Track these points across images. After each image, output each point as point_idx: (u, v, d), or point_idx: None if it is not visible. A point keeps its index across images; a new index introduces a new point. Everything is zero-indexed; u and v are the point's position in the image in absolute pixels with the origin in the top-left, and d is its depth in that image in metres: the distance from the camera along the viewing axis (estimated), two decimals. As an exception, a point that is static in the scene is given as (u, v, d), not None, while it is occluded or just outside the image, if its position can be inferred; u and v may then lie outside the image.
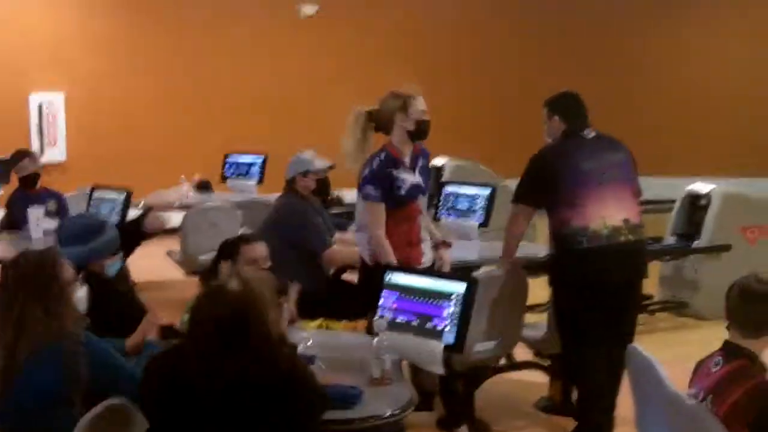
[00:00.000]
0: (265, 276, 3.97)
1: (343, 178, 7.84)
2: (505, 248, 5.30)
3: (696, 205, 8.21)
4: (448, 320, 4.30)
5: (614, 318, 4.95)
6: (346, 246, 6.27)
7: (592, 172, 4.94)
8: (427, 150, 5.41)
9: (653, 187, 7.43)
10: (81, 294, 3.92)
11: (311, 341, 4.13)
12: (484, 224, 7.12)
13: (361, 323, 4.62)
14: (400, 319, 4.38)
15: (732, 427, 3.24)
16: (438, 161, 9.58)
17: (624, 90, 14.62)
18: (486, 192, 7.26)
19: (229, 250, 4.50)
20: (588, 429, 5.07)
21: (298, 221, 6.08)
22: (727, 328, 3.53)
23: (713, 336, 3.63)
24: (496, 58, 14.45)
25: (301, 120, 13.13)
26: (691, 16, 15.01)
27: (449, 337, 4.28)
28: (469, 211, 7.22)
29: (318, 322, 4.69)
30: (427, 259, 5.33)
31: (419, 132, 5.21)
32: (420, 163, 5.29)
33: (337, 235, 6.44)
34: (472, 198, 7.28)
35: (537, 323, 5.82)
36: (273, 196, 7.03)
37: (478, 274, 5.29)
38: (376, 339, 3.88)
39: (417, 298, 4.41)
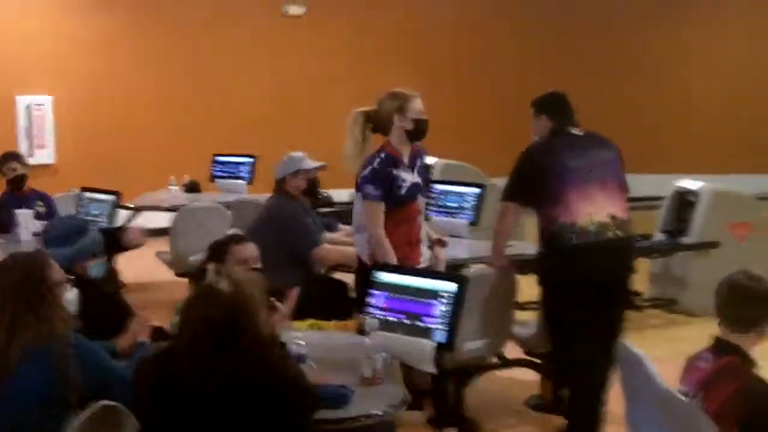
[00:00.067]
0: (255, 276, 3.98)
1: (332, 179, 7.85)
2: (494, 246, 5.32)
3: (685, 202, 8.24)
4: (439, 319, 4.31)
5: (603, 314, 4.96)
6: (336, 246, 6.28)
7: (579, 169, 4.97)
8: (424, 151, 5.42)
9: (642, 184, 7.48)
10: (70, 296, 3.92)
11: (302, 341, 4.13)
12: (474, 223, 7.13)
13: (352, 323, 4.63)
14: (390, 318, 4.39)
15: (721, 424, 3.25)
16: (427, 161, 9.57)
17: (615, 89, 14.65)
18: (475, 191, 7.28)
19: (219, 250, 4.49)
20: (579, 426, 5.08)
21: (288, 221, 6.08)
22: (719, 324, 3.55)
23: (703, 333, 3.64)
24: (493, 58, 14.45)
25: (294, 121, 13.12)
26: (686, 17, 15.03)
27: (440, 336, 4.29)
28: (458, 210, 7.23)
29: (309, 321, 4.69)
30: (425, 259, 5.34)
31: (417, 132, 5.22)
32: (419, 163, 5.31)
33: (326, 235, 6.43)
34: (461, 197, 7.29)
35: (527, 321, 5.83)
36: (263, 197, 7.03)
37: (468, 272, 5.30)
38: (366, 338, 3.88)
39: (407, 297, 4.42)
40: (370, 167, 5.16)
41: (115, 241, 6.28)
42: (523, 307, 6.12)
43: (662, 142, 14.57)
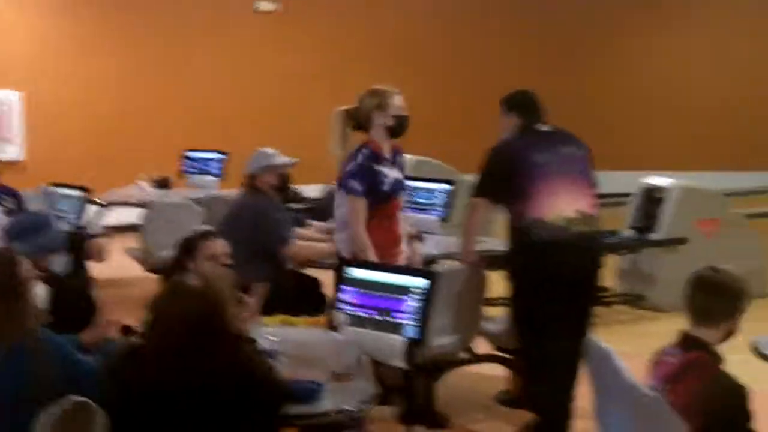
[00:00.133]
0: (225, 272, 3.99)
1: (303, 175, 7.85)
2: (464, 242, 5.35)
3: (653, 198, 8.30)
4: (410, 315, 4.32)
5: (572, 310, 5.00)
6: (307, 242, 6.28)
7: (547, 165, 5.01)
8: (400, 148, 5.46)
9: (611, 180, 7.51)
10: (39, 291, 3.91)
11: (272, 337, 4.13)
12: (444, 219, 7.15)
13: (323, 318, 4.63)
14: (361, 313, 4.40)
15: (688, 418, 3.28)
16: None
17: (585, 87, 14.76)
18: (446, 187, 7.30)
19: (189, 246, 4.49)
20: (548, 421, 5.12)
21: (258, 217, 6.07)
22: (687, 319, 3.59)
23: (671, 328, 3.67)
24: (463, 55, 14.52)
25: (265, 117, 13.10)
26: (652, 16, 15.12)
27: (410, 332, 4.30)
28: (428, 206, 7.24)
29: (279, 317, 4.69)
30: (405, 255, 5.37)
31: (398, 128, 5.25)
32: (399, 159, 5.34)
33: (297, 231, 6.43)
34: (432, 193, 7.30)
35: (496, 317, 5.86)
36: (234, 193, 7.01)
37: (438, 268, 5.32)
38: (337, 334, 3.89)
39: (378, 292, 4.43)
40: (354, 162, 5.18)
41: (81, 245, 6.25)
42: (492, 303, 6.15)
43: (631, 140, 14.67)
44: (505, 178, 5.04)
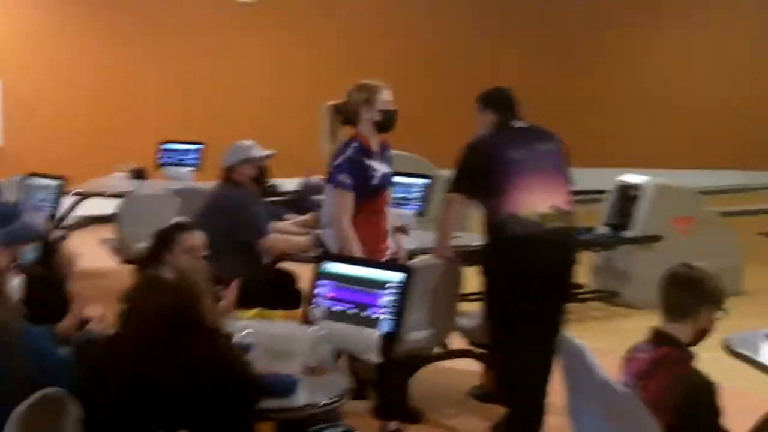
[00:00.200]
0: (201, 265, 3.98)
1: (280, 167, 7.85)
2: (440, 237, 5.38)
3: (628, 196, 8.34)
4: (385, 309, 4.33)
5: (545, 306, 5.03)
6: (282, 235, 6.27)
7: (522, 161, 5.04)
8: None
9: (587, 177, 7.55)
10: (15, 282, 3.90)
11: (248, 330, 4.13)
12: (421, 214, 7.16)
13: (299, 312, 4.64)
14: (336, 308, 4.41)
15: (658, 413, 3.31)
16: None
17: (562, 85, 14.81)
18: (422, 182, 7.31)
19: (165, 238, 4.48)
20: (521, 417, 5.14)
21: (236, 210, 6.04)
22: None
23: (644, 325, 3.70)
24: (442, 50, 14.53)
25: (243, 108, 13.08)
26: (635, 14, 15.16)
27: (386, 326, 4.31)
28: (405, 201, 7.25)
29: (255, 311, 4.70)
30: (391, 250, 5.39)
31: (385, 123, 5.26)
32: (387, 154, 5.36)
33: (274, 224, 6.42)
34: (409, 187, 7.31)
35: (471, 312, 5.88)
36: (210, 184, 6.99)
37: (414, 263, 5.33)
38: (312, 328, 3.90)
39: (354, 287, 4.44)
40: (344, 156, 5.18)
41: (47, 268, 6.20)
42: (467, 298, 6.17)
43: (607, 137, 14.73)
44: (480, 174, 5.07)
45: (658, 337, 3.57)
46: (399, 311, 4.32)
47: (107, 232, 8.19)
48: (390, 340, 4.34)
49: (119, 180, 9.40)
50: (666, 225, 8.22)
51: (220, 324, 3.75)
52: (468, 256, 5.63)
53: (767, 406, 4.32)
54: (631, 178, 8.46)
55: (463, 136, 5.38)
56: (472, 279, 5.65)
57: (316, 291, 4.52)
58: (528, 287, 4.98)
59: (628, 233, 8.20)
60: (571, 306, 5.51)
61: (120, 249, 7.98)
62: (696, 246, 7.73)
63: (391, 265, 4.92)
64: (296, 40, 13.67)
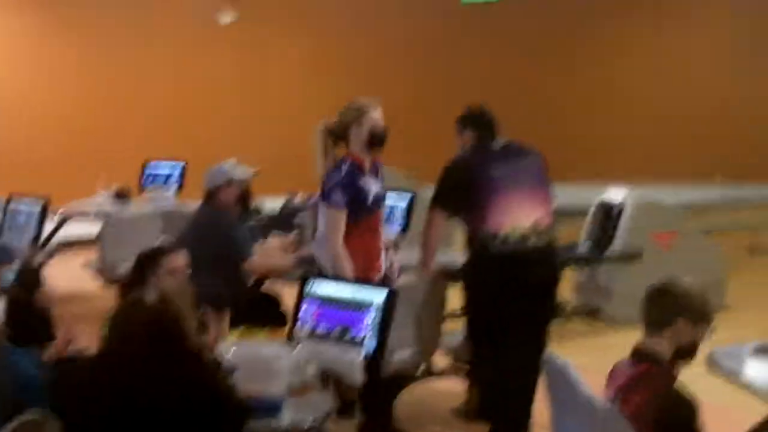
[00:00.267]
0: (185, 287, 3.98)
1: (264, 185, 7.85)
2: (423, 255, 5.39)
3: (610, 211, 8.36)
4: (368, 329, 4.34)
5: (528, 322, 5.05)
6: (265, 256, 6.26)
7: (503, 178, 5.09)
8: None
9: (569, 193, 7.57)
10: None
11: (232, 351, 4.13)
12: (404, 230, 7.17)
13: (282, 333, 4.64)
14: (320, 328, 4.41)
15: (639, 428, 3.32)
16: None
17: (543, 99, 14.84)
18: (405, 198, 7.32)
19: (149, 260, 4.48)
20: (506, 434, 5.15)
21: (219, 231, 6.03)
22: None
23: (627, 341, 3.70)
24: (424, 67, 14.57)
25: (225, 127, 13.09)
26: (610, 27, 15.25)
27: (369, 346, 4.32)
28: (388, 217, 7.24)
29: (239, 331, 4.69)
30: (383, 267, 5.41)
31: (374, 142, 5.27)
32: (379, 172, 5.38)
33: (257, 245, 6.42)
34: (391, 204, 7.30)
35: (455, 330, 5.89)
36: (193, 204, 6.97)
37: (398, 281, 5.34)
38: (296, 348, 3.90)
39: (337, 307, 4.44)
40: (338, 175, 5.19)
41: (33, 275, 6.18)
42: (451, 316, 6.18)
43: (589, 153, 14.77)
44: (462, 191, 5.12)
45: (639, 354, 3.58)
46: (383, 331, 4.33)
47: (90, 253, 8.17)
48: (375, 359, 4.34)
49: (102, 201, 9.37)
50: (647, 240, 8.24)
51: (204, 345, 3.75)
52: (452, 274, 5.64)
53: (751, 422, 4.33)
54: (613, 193, 8.50)
55: (447, 152, 5.42)
56: (457, 297, 5.66)
57: (299, 311, 4.52)
58: (510, 304, 5.01)
59: (610, 249, 8.22)
60: (554, 322, 5.52)
61: (103, 271, 7.96)
62: (678, 261, 7.75)
63: (375, 284, 4.93)
64: (277, 59, 13.71)
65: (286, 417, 3.52)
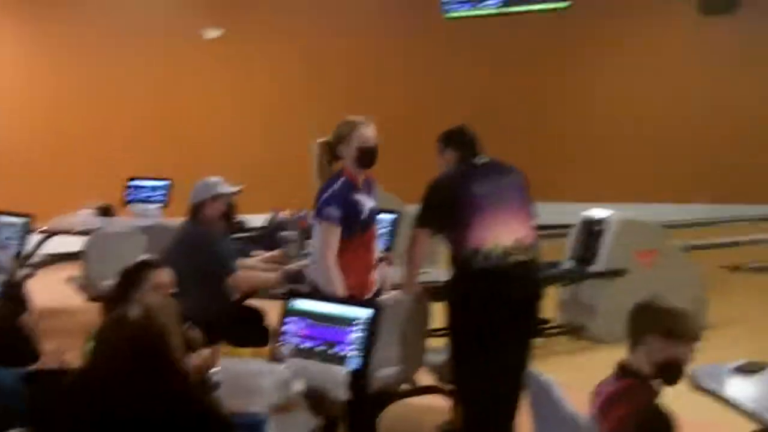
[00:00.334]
0: (169, 302, 3.98)
1: (247, 203, 7.85)
2: (407, 273, 5.42)
3: (593, 230, 8.40)
4: (353, 346, 4.35)
5: (511, 340, 5.07)
6: (249, 272, 6.26)
7: (485, 196, 5.13)
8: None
9: (552, 212, 7.60)
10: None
11: (215, 368, 4.13)
12: (389, 249, 7.18)
13: (266, 350, 4.64)
14: (305, 345, 4.42)
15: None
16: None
17: (527, 119, 14.90)
18: (390, 217, 7.34)
19: (133, 276, 4.47)
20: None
21: (203, 247, 6.03)
22: None
23: (611, 359, 3.73)
24: (409, 86, 14.61)
25: (204, 145, 13.08)
26: (593, 48, 15.30)
27: (354, 363, 4.33)
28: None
29: (223, 348, 4.69)
30: (376, 282, 5.44)
31: (362, 159, 5.29)
32: (373, 189, 5.41)
33: (242, 261, 6.41)
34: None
35: (439, 348, 5.89)
36: (177, 220, 6.97)
37: (382, 299, 5.35)
38: (280, 365, 3.90)
39: (322, 323, 4.45)
40: (331, 190, 5.22)
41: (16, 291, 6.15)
42: (435, 333, 6.19)
43: (571, 171, 14.82)
44: (445, 209, 5.15)
45: (622, 369, 3.61)
46: (367, 348, 4.34)
47: (74, 269, 8.15)
48: (359, 376, 4.35)
49: (86, 217, 9.36)
50: (630, 258, 8.28)
51: (188, 362, 3.74)
52: (436, 292, 5.66)
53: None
54: (595, 212, 8.54)
55: (430, 170, 5.45)
56: (441, 314, 5.67)
57: (284, 328, 4.53)
58: (493, 320, 5.03)
59: (593, 267, 8.26)
60: (538, 340, 5.54)
61: (87, 287, 7.94)
62: (660, 279, 7.77)
63: (360, 301, 4.94)
64: (261, 74, 13.72)
65: (270, 434, 3.52)
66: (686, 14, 14.05)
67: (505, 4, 13.32)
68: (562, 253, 8.46)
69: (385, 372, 5.14)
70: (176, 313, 3.53)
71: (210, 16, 13.61)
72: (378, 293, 5.36)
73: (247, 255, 6.70)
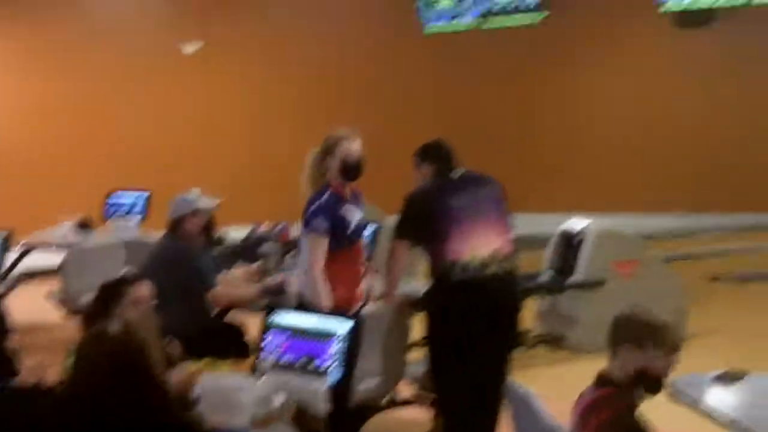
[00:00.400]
0: (148, 317, 3.97)
1: (227, 216, 7.84)
2: (386, 285, 5.44)
3: (571, 240, 8.42)
4: (334, 359, 4.34)
5: (490, 351, 5.09)
6: (229, 286, 6.25)
7: (462, 208, 5.18)
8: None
9: (530, 223, 7.61)
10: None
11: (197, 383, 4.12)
12: (369, 260, 7.18)
13: (246, 364, 4.63)
14: (285, 358, 4.41)
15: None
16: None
17: (504, 130, 14.93)
18: (370, 228, 7.34)
19: (112, 290, 4.46)
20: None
21: (182, 262, 6.02)
22: None
23: (591, 369, 3.74)
24: (388, 100, 14.62)
25: (184, 157, 13.07)
26: (575, 58, 15.36)
27: (334, 376, 4.32)
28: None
29: (202, 362, 4.68)
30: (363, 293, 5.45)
31: (346, 172, 5.31)
32: (360, 201, 5.43)
33: (221, 276, 6.40)
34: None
35: (419, 359, 5.90)
36: (156, 234, 6.95)
37: (363, 311, 5.36)
38: (260, 379, 3.90)
39: (302, 336, 4.45)
40: (318, 203, 5.24)
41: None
42: (415, 345, 6.19)
43: (550, 182, 14.86)
44: (423, 221, 5.19)
45: (600, 379, 3.63)
46: (348, 361, 4.34)
47: (53, 284, 8.11)
48: (340, 389, 4.35)
49: (65, 231, 9.32)
50: (609, 269, 8.30)
51: (168, 376, 3.73)
52: (416, 303, 5.67)
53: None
54: (574, 223, 8.56)
55: (412, 182, 5.48)
56: (421, 326, 5.68)
57: (264, 342, 4.52)
58: (471, 331, 5.05)
59: (572, 278, 8.27)
60: (517, 351, 5.55)
61: (66, 301, 7.90)
62: (640, 290, 7.79)
63: (340, 313, 4.94)
64: (241, 87, 13.72)
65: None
66: (666, 27, 14.12)
67: (483, 18, 13.37)
68: (540, 264, 8.47)
69: (365, 384, 5.14)
70: (156, 328, 3.52)
71: (189, 30, 13.60)
72: (365, 305, 5.38)
73: (228, 269, 6.69)
